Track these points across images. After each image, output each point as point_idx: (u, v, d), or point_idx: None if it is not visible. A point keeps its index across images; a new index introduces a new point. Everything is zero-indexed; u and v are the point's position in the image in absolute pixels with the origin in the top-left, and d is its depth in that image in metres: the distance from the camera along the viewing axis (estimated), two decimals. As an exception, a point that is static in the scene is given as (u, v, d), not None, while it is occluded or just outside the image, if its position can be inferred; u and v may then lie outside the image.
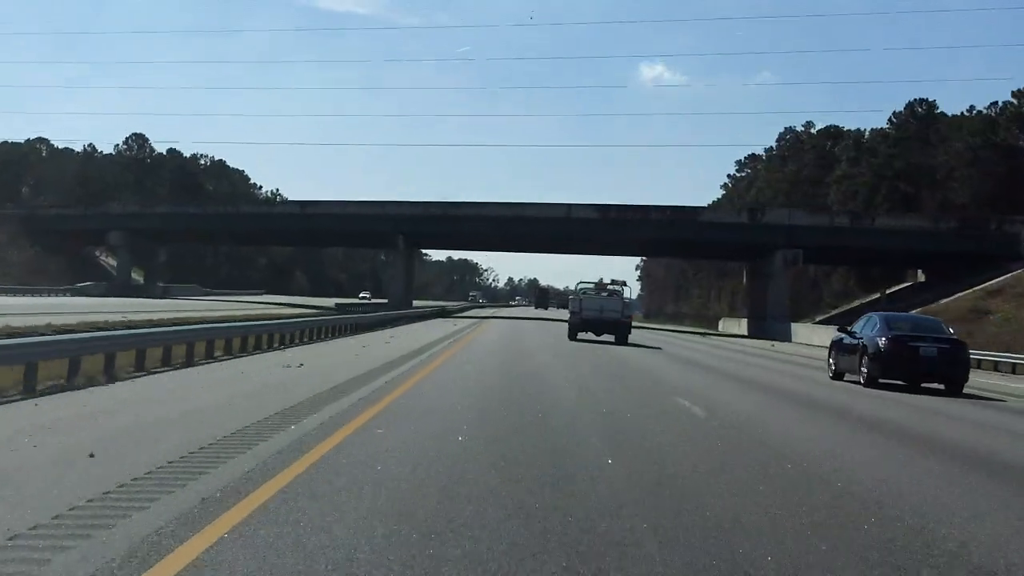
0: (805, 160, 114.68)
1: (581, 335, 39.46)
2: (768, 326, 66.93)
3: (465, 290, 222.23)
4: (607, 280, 42.51)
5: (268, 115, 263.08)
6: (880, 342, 20.76)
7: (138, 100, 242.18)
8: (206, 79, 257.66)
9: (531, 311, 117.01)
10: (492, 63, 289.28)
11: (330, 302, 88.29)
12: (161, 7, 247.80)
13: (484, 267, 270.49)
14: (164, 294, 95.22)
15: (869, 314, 24.44)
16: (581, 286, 42.87)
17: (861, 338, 21.76)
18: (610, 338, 39.11)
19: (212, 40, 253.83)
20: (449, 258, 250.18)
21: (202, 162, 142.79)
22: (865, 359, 21.08)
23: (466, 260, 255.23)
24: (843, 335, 23.40)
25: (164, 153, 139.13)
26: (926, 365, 20.47)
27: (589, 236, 74.45)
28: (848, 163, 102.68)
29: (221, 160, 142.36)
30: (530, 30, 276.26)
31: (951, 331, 22.61)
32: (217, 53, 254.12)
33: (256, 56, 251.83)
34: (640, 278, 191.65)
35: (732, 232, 69.69)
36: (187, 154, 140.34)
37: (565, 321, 43.55)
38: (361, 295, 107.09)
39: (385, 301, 79.95)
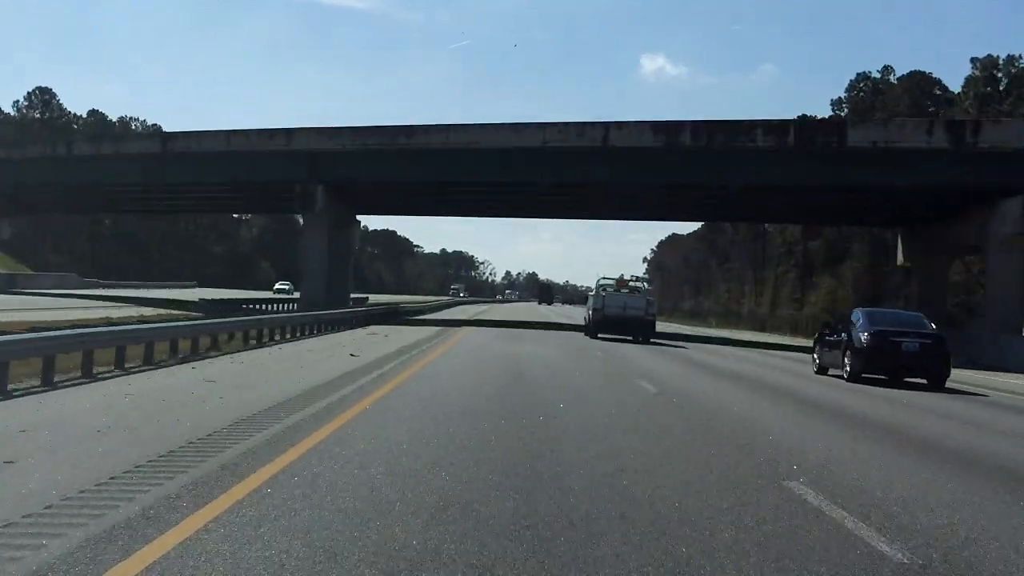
0: (898, 111, 79.26)
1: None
2: (986, 344, 31.60)
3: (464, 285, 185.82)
4: (628, 276, 37.62)
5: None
6: (863, 337, 19.38)
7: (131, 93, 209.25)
8: (200, 72, 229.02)
9: (527, 313, 79.58)
10: (492, 59, 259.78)
11: (221, 295, 52.95)
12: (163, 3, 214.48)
13: (480, 260, 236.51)
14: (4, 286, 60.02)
15: (854, 309, 22.95)
16: (602, 282, 36.11)
17: (845, 333, 20.18)
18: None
19: (206, 32, 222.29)
20: (443, 250, 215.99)
21: (133, 127, 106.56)
22: (848, 354, 19.74)
23: (461, 253, 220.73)
24: (828, 330, 22.26)
25: (83, 116, 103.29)
26: (908, 360, 19.17)
27: (641, 182, 38.75)
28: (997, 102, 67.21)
29: (156, 125, 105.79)
30: (532, 27, 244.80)
31: (933, 326, 20.93)
32: (211, 45, 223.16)
33: (254, 48, 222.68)
34: (648, 271, 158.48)
35: (909, 167, 33.84)
36: (113, 118, 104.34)
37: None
38: (277, 287, 71.08)
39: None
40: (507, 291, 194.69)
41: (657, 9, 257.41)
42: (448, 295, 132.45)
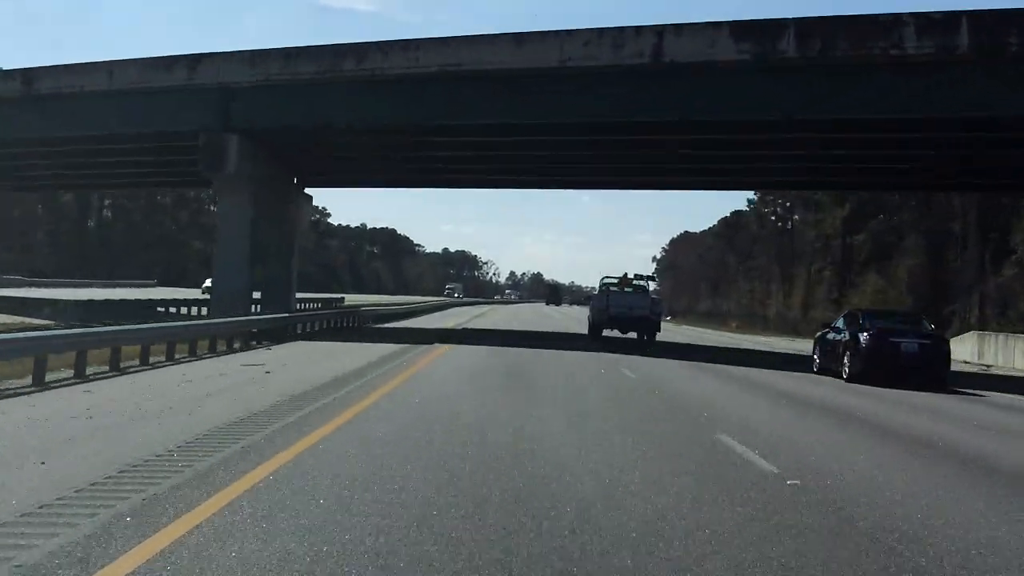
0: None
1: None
2: None
3: (464, 285, 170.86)
4: (632, 274, 35.32)
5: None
6: (862, 338, 18.59)
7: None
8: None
9: (533, 318, 64.25)
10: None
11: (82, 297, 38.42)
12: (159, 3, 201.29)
13: (484, 260, 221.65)
14: None
15: (852, 310, 23.03)
16: (606, 281, 34.50)
17: (844, 333, 19.56)
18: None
19: (206, 31, 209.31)
20: (445, 249, 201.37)
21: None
22: (848, 355, 18.92)
23: (464, 252, 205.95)
24: (828, 330, 21.26)
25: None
26: (907, 360, 18.29)
27: (715, 122, 24.45)
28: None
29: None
30: (533, 26, 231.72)
31: (932, 327, 20.67)
32: (210, 44, 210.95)
33: (253, 48, 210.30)
34: (656, 271, 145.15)
35: None
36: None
37: None
38: (207, 284, 56.44)
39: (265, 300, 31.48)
40: (507, 291, 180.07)
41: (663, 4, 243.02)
42: (444, 295, 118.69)
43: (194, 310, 34.04)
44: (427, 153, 30.40)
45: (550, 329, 39.23)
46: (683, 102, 23.54)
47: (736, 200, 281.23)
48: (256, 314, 27.87)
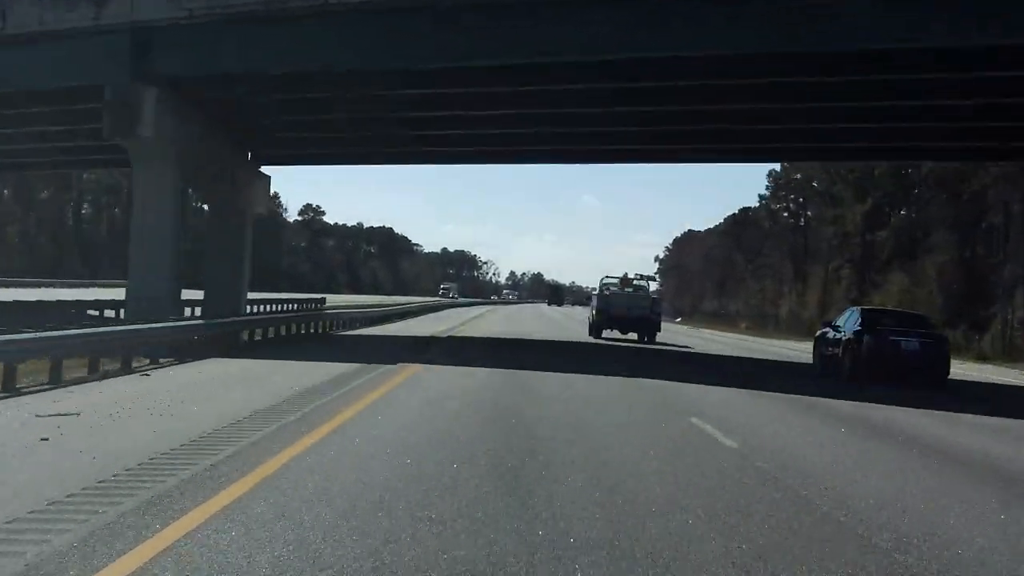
0: None
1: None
2: None
3: (462, 285, 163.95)
4: (632, 274, 34.98)
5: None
6: (863, 337, 18.06)
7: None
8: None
9: (535, 321, 56.97)
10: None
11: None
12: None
13: (483, 260, 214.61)
14: None
15: (852, 308, 22.02)
16: (606, 281, 34.27)
17: (844, 332, 18.95)
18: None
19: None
20: (444, 249, 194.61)
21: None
22: (848, 354, 18.43)
23: (463, 252, 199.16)
24: (828, 329, 20.57)
25: None
26: (908, 360, 17.77)
27: (786, 55, 17.77)
28: None
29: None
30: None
31: (933, 326, 20.60)
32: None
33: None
34: (659, 271, 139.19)
35: None
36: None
37: None
38: None
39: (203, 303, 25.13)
40: (505, 291, 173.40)
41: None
42: (439, 296, 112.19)
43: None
44: (398, 115, 23.68)
45: (557, 337, 32.46)
46: (742, 27, 16.82)
47: (740, 197, 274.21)
48: (179, 319, 21.20)
